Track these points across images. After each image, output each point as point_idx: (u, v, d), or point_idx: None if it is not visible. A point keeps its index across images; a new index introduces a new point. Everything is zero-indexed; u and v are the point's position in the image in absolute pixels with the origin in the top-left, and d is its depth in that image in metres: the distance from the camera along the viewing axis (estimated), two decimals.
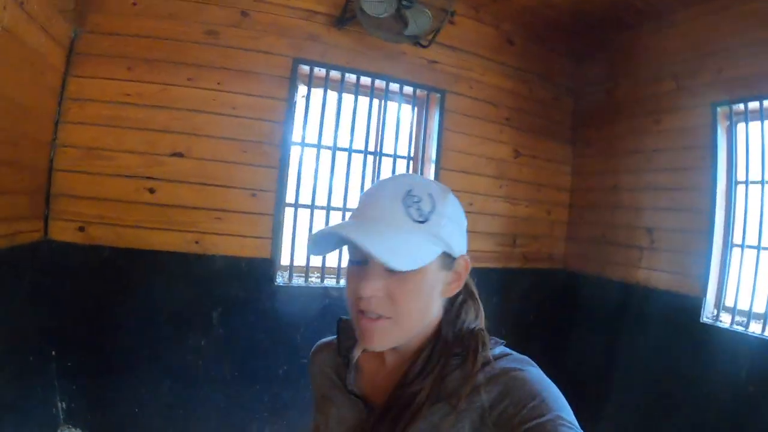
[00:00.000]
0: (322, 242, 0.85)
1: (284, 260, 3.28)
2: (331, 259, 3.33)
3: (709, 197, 3.04)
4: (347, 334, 1.00)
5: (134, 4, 2.92)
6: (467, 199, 3.63)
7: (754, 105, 2.90)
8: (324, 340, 1.13)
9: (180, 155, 2.97)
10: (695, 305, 3.01)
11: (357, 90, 3.29)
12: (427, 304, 0.84)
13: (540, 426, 0.66)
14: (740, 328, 2.84)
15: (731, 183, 3.02)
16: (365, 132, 3.40)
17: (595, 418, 3.38)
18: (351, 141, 3.35)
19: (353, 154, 3.37)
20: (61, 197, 2.81)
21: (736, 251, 2.98)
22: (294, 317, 3.17)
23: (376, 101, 3.48)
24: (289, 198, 3.26)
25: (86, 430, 2.89)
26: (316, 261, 3.31)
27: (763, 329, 2.75)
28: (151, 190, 2.94)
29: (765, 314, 2.75)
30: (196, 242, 3.01)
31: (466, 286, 0.93)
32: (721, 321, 2.97)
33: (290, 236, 3.26)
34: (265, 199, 3.12)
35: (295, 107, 3.18)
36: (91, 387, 2.88)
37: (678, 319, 3.08)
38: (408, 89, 3.55)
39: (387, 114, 3.52)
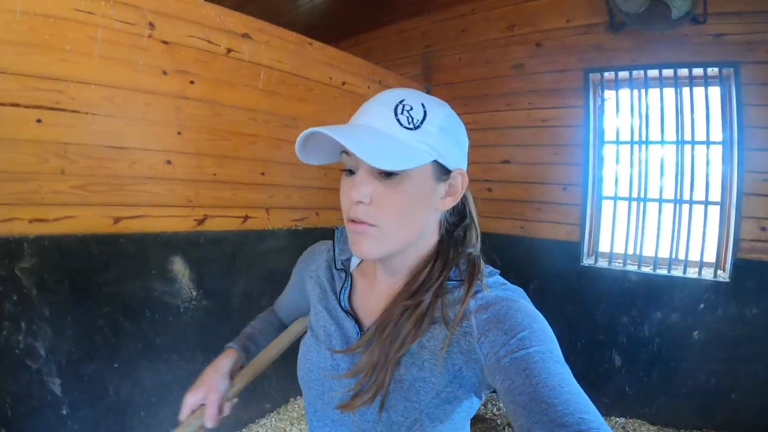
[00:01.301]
0: (312, 149, 0.83)
1: (603, 247, 3.75)
2: (635, 247, 3.56)
3: None
4: (344, 245, 1.00)
5: (459, 59, 4.10)
6: None
7: None
8: (326, 243, 1.10)
9: (508, 162, 3.89)
10: None
11: (646, 83, 3.50)
12: (416, 214, 0.82)
13: (527, 356, 0.67)
14: None
15: None
16: (661, 121, 3.49)
17: None
18: (646, 131, 3.54)
19: (663, 146, 3.50)
20: None
21: None
22: (596, 295, 3.54)
23: (671, 90, 3.43)
24: (608, 191, 3.72)
25: None
26: (620, 247, 3.63)
27: None
28: (489, 189, 3.94)
29: None
30: (521, 227, 3.80)
31: (469, 212, 0.94)
32: None
33: (596, 224, 3.75)
34: (574, 192, 3.69)
35: (595, 111, 3.70)
36: None
37: None
38: (698, 71, 3.32)
39: (683, 100, 3.39)
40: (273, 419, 3.06)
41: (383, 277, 0.92)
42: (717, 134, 3.31)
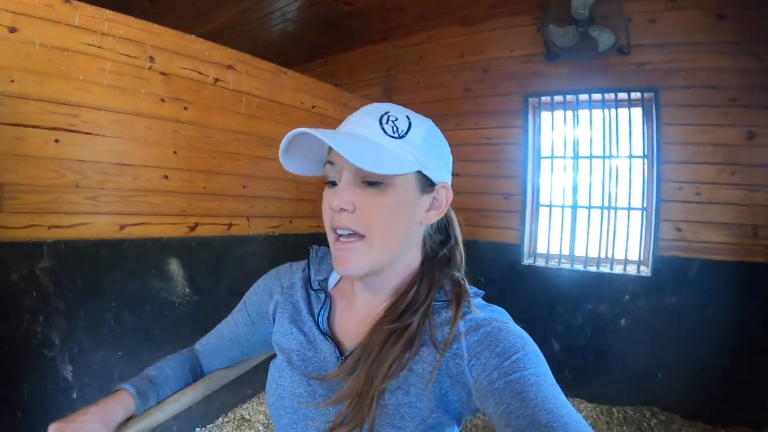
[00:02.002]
0: (296, 156, 0.82)
1: (540, 248, 4.18)
2: (569, 248, 3.99)
3: None
4: (320, 265, 0.98)
5: (417, 83, 4.54)
6: (693, 189, 3.52)
7: None
8: (299, 263, 1.04)
9: (457, 175, 4.24)
10: None
11: (578, 105, 3.97)
12: (401, 225, 0.80)
13: (522, 379, 0.65)
14: None
15: None
16: (590, 138, 3.94)
17: None
18: (577, 147, 3.99)
19: (592, 160, 3.94)
20: None
21: None
22: (535, 290, 3.96)
23: (599, 111, 3.90)
24: (544, 200, 4.16)
25: None
26: (555, 248, 4.07)
27: None
28: None
29: None
30: (469, 232, 4.12)
31: (453, 234, 0.94)
32: None
33: (534, 229, 4.19)
34: (515, 201, 4.13)
35: (534, 131, 4.16)
36: None
37: None
38: (623, 95, 3.78)
39: (610, 121, 3.82)
40: (254, 403, 3.36)
41: (364, 296, 0.88)
42: (639, 149, 3.79)
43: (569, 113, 4.02)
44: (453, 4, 4.00)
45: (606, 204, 3.85)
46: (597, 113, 3.94)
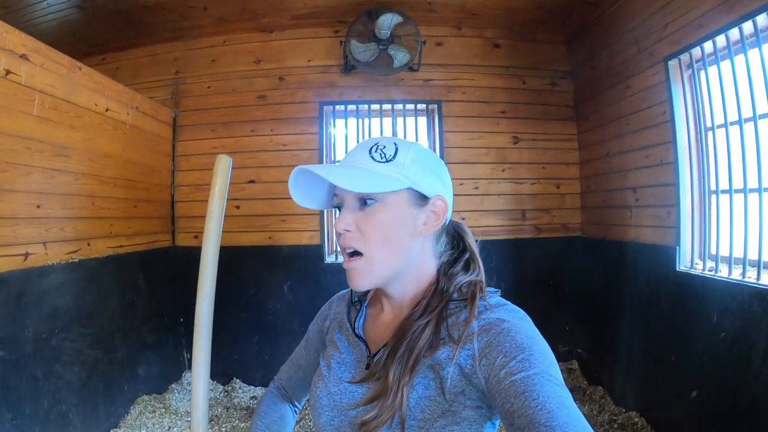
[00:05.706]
0: (304, 191, 0.91)
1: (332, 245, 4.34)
2: None
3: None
4: None
5: (208, 87, 4.22)
6: (472, 184, 4.17)
7: (707, 47, 2.73)
8: (342, 292, 1.15)
9: (253, 182, 4.14)
10: (672, 255, 2.98)
11: (370, 114, 4.19)
12: (398, 239, 0.85)
13: (527, 378, 0.66)
14: (710, 274, 2.72)
15: (700, 131, 2.92)
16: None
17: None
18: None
19: None
20: (181, 218, 4.14)
21: (724, 198, 2.77)
22: (338, 287, 3.99)
23: (389, 119, 4.26)
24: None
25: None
26: None
27: (730, 272, 2.61)
28: (238, 207, 4.14)
29: (744, 257, 2.54)
30: (270, 237, 4.16)
31: (468, 245, 0.95)
32: (696, 268, 2.89)
33: (333, 228, 4.20)
34: None
35: (327, 137, 4.23)
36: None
37: (658, 269, 3.10)
38: (411, 106, 4.20)
39: (398, 128, 4.21)
40: None
41: (389, 305, 0.94)
42: None
43: (361, 121, 4.23)
44: (257, 10, 3.82)
45: None
46: (387, 121, 4.25)
